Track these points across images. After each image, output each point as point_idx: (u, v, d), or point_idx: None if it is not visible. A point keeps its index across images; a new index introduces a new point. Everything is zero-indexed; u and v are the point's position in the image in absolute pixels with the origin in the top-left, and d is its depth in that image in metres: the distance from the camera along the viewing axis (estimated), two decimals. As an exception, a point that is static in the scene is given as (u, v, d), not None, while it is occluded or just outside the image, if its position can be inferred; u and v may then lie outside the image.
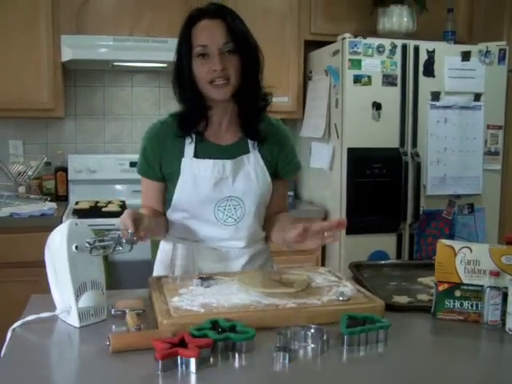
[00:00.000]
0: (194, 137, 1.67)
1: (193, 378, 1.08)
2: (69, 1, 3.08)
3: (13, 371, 1.12)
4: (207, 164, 1.65)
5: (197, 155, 1.67)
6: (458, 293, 1.40)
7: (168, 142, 1.68)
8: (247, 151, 1.70)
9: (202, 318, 1.26)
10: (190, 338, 1.15)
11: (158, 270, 1.81)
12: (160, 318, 1.28)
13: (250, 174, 1.69)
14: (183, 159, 1.66)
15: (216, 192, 1.66)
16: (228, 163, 1.66)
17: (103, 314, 1.38)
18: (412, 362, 1.20)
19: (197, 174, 1.65)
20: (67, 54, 3.04)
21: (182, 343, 1.13)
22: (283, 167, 1.77)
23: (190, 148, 1.67)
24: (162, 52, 3.05)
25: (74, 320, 1.33)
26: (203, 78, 1.59)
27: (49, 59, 3.09)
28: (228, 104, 1.66)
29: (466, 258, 1.40)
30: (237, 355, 1.17)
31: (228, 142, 1.70)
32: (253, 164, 1.69)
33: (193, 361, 1.09)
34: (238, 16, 1.63)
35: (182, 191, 1.66)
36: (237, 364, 1.16)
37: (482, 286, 1.37)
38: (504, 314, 1.33)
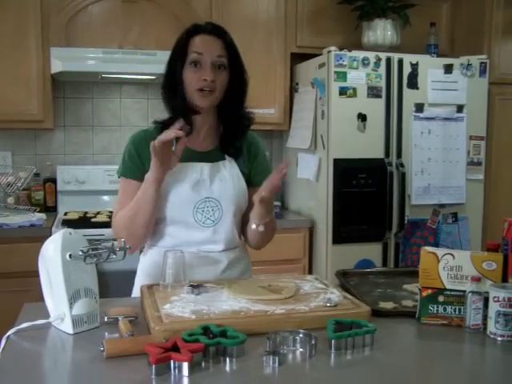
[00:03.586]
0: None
1: (186, 381, 1.11)
2: (58, 13, 3.11)
3: (9, 379, 1.14)
4: (186, 167, 1.72)
5: None
6: (441, 298, 1.44)
7: (150, 148, 1.71)
8: (223, 158, 1.78)
9: (193, 324, 1.29)
10: (182, 342, 1.17)
11: (140, 283, 1.75)
12: (152, 325, 1.30)
13: (226, 177, 1.75)
14: None
15: (194, 193, 1.71)
16: (206, 166, 1.73)
17: (96, 321, 1.40)
18: (397, 365, 1.24)
19: (176, 176, 1.70)
20: (57, 66, 3.06)
21: (175, 348, 1.16)
22: (255, 176, 1.83)
23: None
24: (151, 64, 3.09)
25: (67, 327, 1.35)
26: (193, 85, 1.67)
27: (38, 71, 3.11)
28: (207, 115, 1.75)
29: (449, 265, 1.44)
30: (228, 359, 1.20)
31: (205, 150, 1.78)
32: (229, 169, 1.76)
33: (185, 365, 1.12)
34: (232, 39, 1.73)
35: (162, 194, 1.70)
36: (228, 368, 1.19)
37: (464, 291, 1.42)
38: (485, 318, 1.38)
